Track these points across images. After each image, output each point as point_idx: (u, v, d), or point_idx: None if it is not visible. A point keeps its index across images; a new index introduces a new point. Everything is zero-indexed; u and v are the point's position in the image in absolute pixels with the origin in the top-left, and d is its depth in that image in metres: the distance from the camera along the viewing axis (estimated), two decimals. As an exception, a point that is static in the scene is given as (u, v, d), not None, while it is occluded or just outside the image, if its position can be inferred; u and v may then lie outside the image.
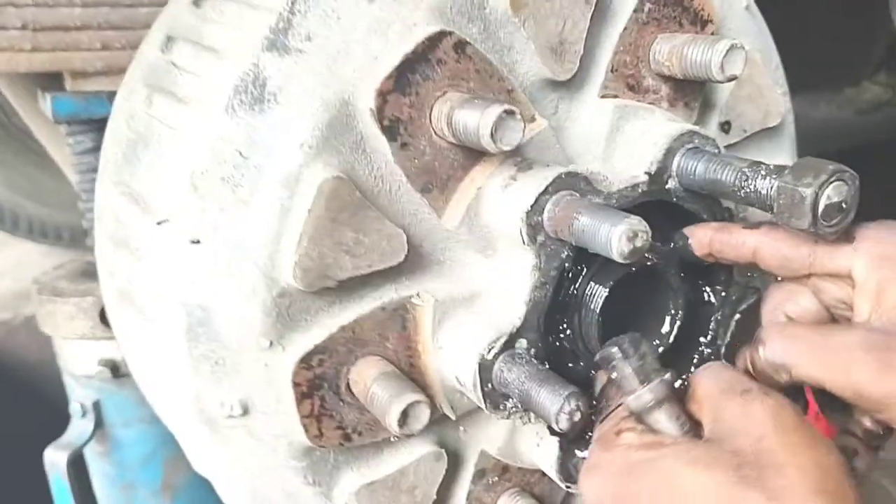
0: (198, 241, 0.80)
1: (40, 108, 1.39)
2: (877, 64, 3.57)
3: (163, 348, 0.88)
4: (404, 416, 0.78)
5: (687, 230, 0.87)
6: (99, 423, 1.48)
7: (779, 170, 0.75)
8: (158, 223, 0.84)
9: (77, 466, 1.47)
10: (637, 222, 0.71)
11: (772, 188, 0.74)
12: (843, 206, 0.71)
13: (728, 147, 0.99)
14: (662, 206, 0.89)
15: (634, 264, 0.86)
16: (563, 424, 0.74)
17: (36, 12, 1.24)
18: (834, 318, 0.82)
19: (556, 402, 0.74)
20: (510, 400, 0.83)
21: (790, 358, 0.75)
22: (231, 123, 0.78)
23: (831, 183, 0.70)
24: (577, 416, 0.75)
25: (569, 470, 0.89)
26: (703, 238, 0.85)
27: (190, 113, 0.83)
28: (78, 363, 1.46)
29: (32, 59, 1.26)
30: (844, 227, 0.73)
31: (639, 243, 0.71)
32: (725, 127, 0.97)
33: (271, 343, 0.81)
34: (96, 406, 1.47)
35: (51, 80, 1.37)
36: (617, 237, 0.71)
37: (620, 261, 0.72)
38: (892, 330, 0.72)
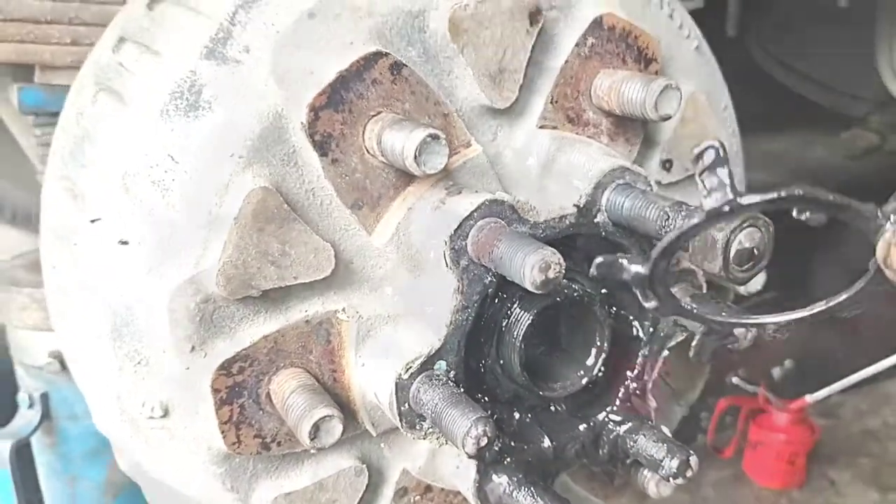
0: (126, 242, 0.81)
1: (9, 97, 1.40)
2: (868, 110, 3.61)
3: (91, 345, 0.88)
4: (316, 430, 0.78)
5: None
6: (46, 415, 1.48)
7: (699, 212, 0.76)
8: (92, 221, 0.85)
9: (22, 456, 1.47)
10: (551, 254, 0.72)
11: (689, 229, 0.75)
12: (755, 252, 0.72)
13: (670, 185, 1.00)
14: (599, 241, 0.90)
15: (559, 294, 0.86)
16: (470, 448, 0.75)
17: (5, 3, 1.25)
18: None
19: (465, 426, 0.75)
20: (426, 420, 0.83)
21: None
22: (165, 128, 0.79)
23: (744, 228, 0.71)
24: (484, 441, 0.75)
25: (486, 494, 0.89)
26: None
27: (129, 114, 0.84)
28: (28, 353, 1.46)
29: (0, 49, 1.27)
30: (757, 274, 0.74)
31: (551, 274, 0.72)
32: (667, 165, 0.98)
33: (193, 347, 0.82)
34: (44, 398, 1.47)
35: (23, 72, 1.38)
36: (529, 267, 0.72)
37: (533, 290, 0.73)
38: None
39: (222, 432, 0.83)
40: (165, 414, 0.86)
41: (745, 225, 0.71)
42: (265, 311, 0.83)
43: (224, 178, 0.78)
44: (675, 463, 0.91)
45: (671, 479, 0.91)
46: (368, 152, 0.81)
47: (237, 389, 0.83)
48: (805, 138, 3.86)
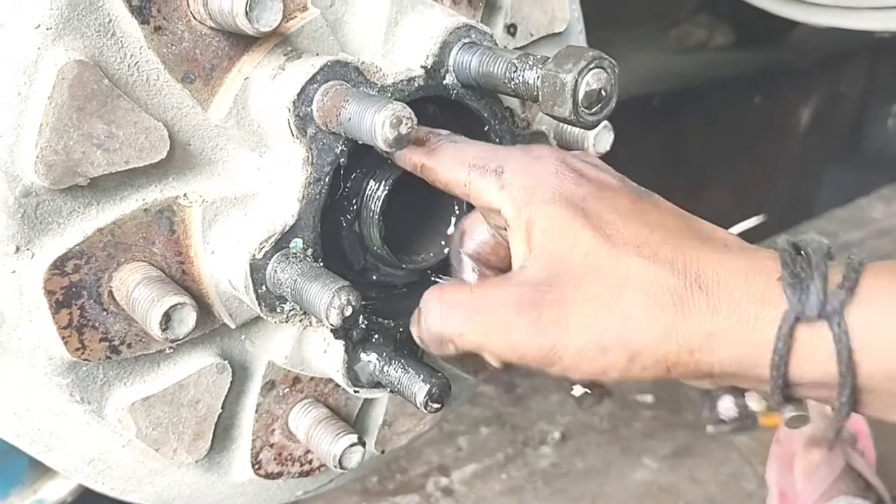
0: (-79, 135, 0.71)
1: None
2: (696, 6, 3.75)
3: None
4: (167, 319, 0.73)
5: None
6: None
7: (545, 60, 0.75)
8: None
9: None
10: (401, 108, 0.69)
11: (537, 78, 0.74)
12: (603, 93, 0.72)
13: (516, 51, 0.99)
14: (449, 108, 0.88)
15: (414, 162, 0.84)
16: (334, 319, 0.72)
17: None
18: (507, 247, 0.77)
19: (327, 297, 0.72)
20: (287, 302, 0.80)
21: (451, 328, 0.71)
22: (-48, -2, 0.69)
23: (590, 70, 0.71)
24: (349, 311, 0.73)
25: (356, 374, 0.88)
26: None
27: None
28: None
29: None
30: (606, 116, 0.74)
31: (403, 130, 0.69)
32: (511, 30, 0.97)
33: (18, 248, 0.74)
34: None
35: None
36: (381, 123, 0.69)
37: (385, 149, 0.70)
38: (543, 277, 0.67)
39: (63, 338, 0.77)
40: (-6, 326, 0.78)
41: (591, 66, 0.71)
42: (96, 202, 0.76)
43: (31, 53, 0.69)
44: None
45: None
46: (195, 18, 0.74)
47: (75, 290, 0.76)
48: (637, 37, 3.96)
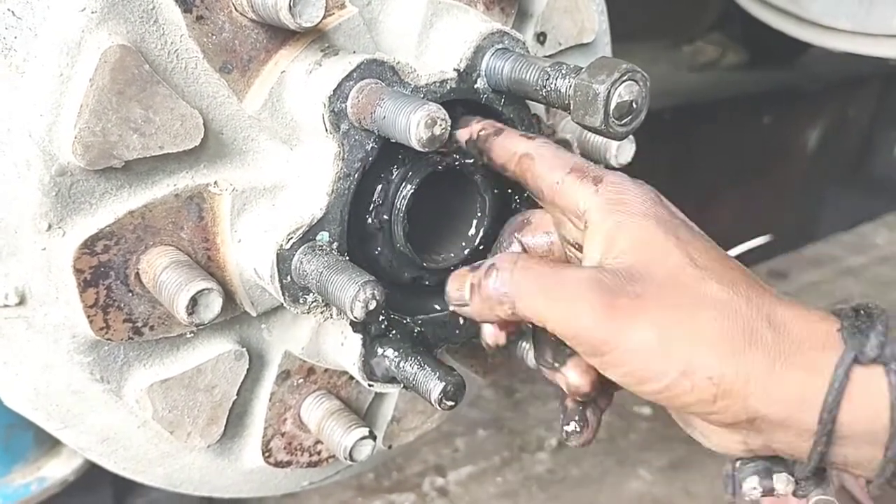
0: (-37, 110, 0.73)
1: None
2: (710, 24, 3.76)
3: (-73, 232, 0.80)
4: (193, 304, 0.74)
5: (465, 118, 0.84)
6: None
7: (578, 70, 0.76)
8: (-81, 89, 0.75)
9: None
10: (436, 109, 0.70)
11: (570, 87, 0.75)
12: (634, 105, 0.74)
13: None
14: (478, 112, 0.89)
15: (441, 164, 0.85)
16: (358, 312, 0.74)
17: None
18: (568, 259, 0.81)
19: (352, 290, 0.74)
20: (310, 294, 0.81)
21: (517, 288, 0.70)
22: (2, -22, 0.71)
23: (623, 82, 0.72)
24: (373, 305, 0.74)
25: (371, 368, 0.89)
26: (473, 128, 0.83)
27: (-43, -34, 0.74)
28: None
29: None
30: (635, 128, 0.75)
31: (437, 131, 0.71)
32: (541, 38, 0.98)
33: (50, 225, 0.75)
34: None
35: None
36: (415, 123, 0.70)
37: (419, 148, 0.71)
38: (626, 274, 0.68)
39: (88, 317, 0.78)
40: (21, 301, 0.79)
41: (624, 78, 0.72)
42: (129, 185, 0.77)
43: (75, 35, 0.71)
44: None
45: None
46: (237, 9, 0.75)
47: (103, 270, 0.77)
48: (650, 52, 3.97)
